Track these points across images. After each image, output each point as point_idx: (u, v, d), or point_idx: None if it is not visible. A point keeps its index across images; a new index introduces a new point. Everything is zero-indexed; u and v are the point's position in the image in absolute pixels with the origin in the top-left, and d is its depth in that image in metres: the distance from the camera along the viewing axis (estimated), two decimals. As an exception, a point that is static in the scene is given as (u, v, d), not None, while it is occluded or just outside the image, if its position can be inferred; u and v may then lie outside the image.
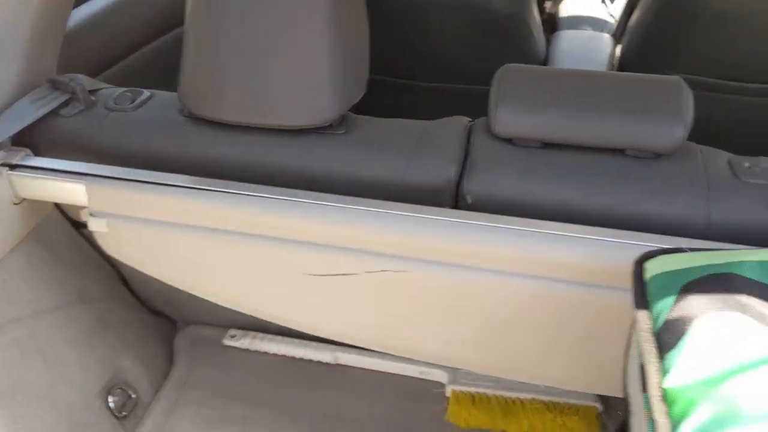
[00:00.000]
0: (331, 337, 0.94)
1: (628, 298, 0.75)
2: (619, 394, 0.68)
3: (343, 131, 0.85)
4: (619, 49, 1.54)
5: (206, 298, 0.95)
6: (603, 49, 1.59)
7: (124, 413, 1.05)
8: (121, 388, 1.06)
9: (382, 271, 0.82)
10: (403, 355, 0.92)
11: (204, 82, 0.83)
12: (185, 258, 0.90)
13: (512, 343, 0.84)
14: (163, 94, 0.94)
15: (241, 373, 1.13)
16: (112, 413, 1.03)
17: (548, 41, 1.60)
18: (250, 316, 1.15)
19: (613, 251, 0.74)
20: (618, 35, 1.72)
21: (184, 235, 0.87)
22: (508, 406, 1.05)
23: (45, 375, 0.94)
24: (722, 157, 0.80)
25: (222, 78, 0.82)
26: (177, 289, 1.14)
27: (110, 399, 1.04)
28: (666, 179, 0.77)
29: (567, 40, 1.63)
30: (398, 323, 0.87)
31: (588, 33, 1.75)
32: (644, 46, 1.42)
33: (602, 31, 1.82)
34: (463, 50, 1.42)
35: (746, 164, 0.78)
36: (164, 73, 1.24)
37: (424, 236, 0.78)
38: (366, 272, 0.83)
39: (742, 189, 0.75)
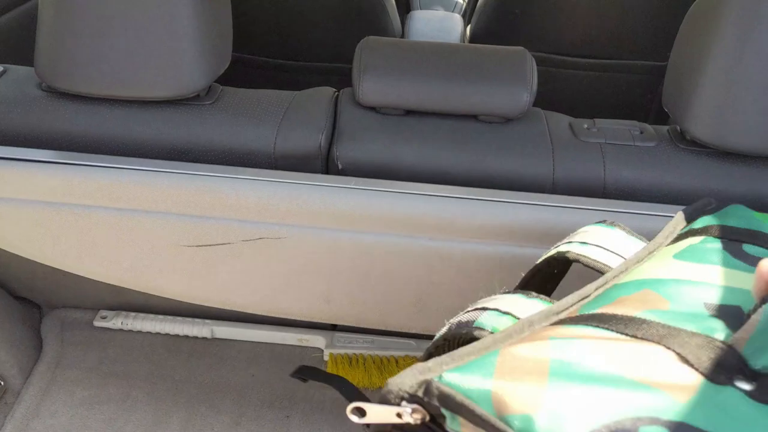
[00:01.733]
0: (213, 305, 0.95)
1: (488, 250, 0.83)
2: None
3: (210, 102, 0.87)
4: (469, 30, 1.64)
5: (82, 275, 0.93)
6: (454, 28, 1.68)
7: (-8, 402, 1.02)
8: (-12, 378, 1.02)
9: (258, 239, 0.85)
10: (286, 317, 0.96)
11: (62, 55, 0.82)
12: (55, 236, 0.88)
13: (385, 297, 0.89)
14: (17, 69, 0.91)
15: (116, 352, 1.12)
16: (-21, 403, 1.00)
17: (403, 22, 1.67)
18: (119, 296, 1.14)
19: (468, 208, 0.81)
20: (467, 15, 1.83)
21: (53, 213, 0.85)
22: (383, 365, 1.12)
23: None
24: (564, 120, 0.89)
25: (81, 50, 0.81)
26: (41, 273, 1.11)
27: (-24, 389, 1.00)
28: (515, 141, 0.85)
29: (421, 20, 1.71)
30: (279, 287, 0.90)
31: (440, 13, 1.84)
32: (491, 25, 1.52)
33: (453, 11, 1.93)
34: (326, 30, 1.47)
35: (585, 126, 0.88)
36: (14, 48, 1.19)
37: (298, 202, 0.82)
38: (242, 241, 0.85)
39: (581, 147, 0.85)
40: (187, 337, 1.15)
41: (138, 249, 0.88)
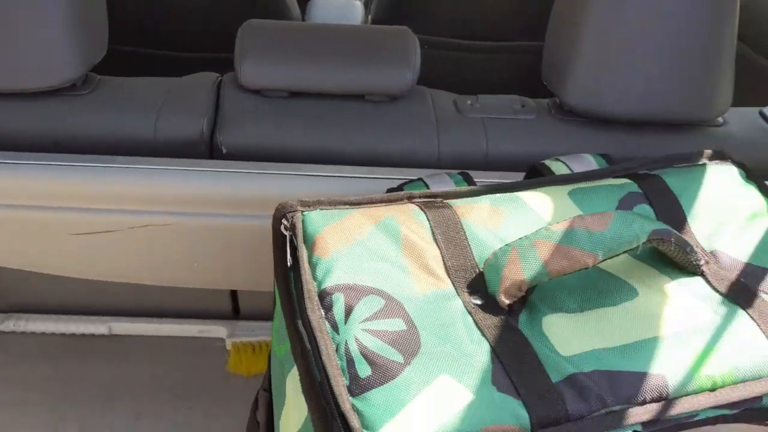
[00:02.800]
0: (111, 279, 0.93)
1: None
2: None
3: (87, 91, 0.84)
4: (369, 18, 1.65)
5: None
6: (355, 15, 1.68)
7: None
8: None
9: (144, 226, 0.84)
10: (183, 303, 0.94)
11: None
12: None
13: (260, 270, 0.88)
14: None
15: (10, 356, 1.08)
16: None
17: (303, 11, 1.67)
18: (9, 298, 1.10)
19: (360, 186, 0.81)
20: (369, 3, 1.84)
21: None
22: (286, 350, 1.11)
23: None
24: (449, 97, 0.91)
25: None
26: None
27: None
28: (401, 119, 0.86)
29: (321, 7, 1.70)
30: (172, 272, 0.89)
31: (341, 0, 1.85)
32: (390, 12, 1.53)
33: (355, -1, 1.93)
34: (221, 21, 1.44)
35: (468, 102, 0.90)
36: None
37: (182, 188, 0.80)
38: (129, 228, 0.84)
39: (464, 122, 0.87)
40: (83, 335, 1.12)
41: (31, 240, 0.85)
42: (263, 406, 0.74)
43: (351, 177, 0.81)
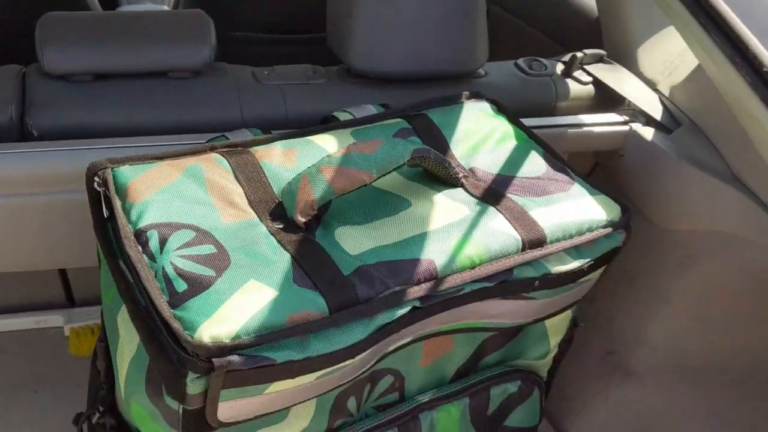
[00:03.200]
0: None
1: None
2: None
3: None
4: None
5: None
6: None
7: None
8: None
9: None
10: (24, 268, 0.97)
11: None
12: None
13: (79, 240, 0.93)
14: None
15: None
16: None
17: None
18: None
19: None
20: (176, 5, 1.89)
21: None
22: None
23: None
24: (247, 69, 1.01)
25: None
26: None
27: None
28: (204, 93, 0.95)
29: (127, 9, 1.75)
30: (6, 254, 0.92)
31: (148, 6, 1.89)
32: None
33: (162, 4, 1.98)
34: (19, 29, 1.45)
35: (265, 72, 1.00)
36: None
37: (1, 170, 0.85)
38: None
39: (263, 90, 0.97)
40: None
41: None
42: (102, 355, 0.80)
43: (159, 145, 0.88)
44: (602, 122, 1.04)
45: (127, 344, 0.69)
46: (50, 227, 0.91)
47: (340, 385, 0.72)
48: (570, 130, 1.02)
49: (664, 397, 1.05)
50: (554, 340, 0.90)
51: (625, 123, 1.04)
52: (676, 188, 0.98)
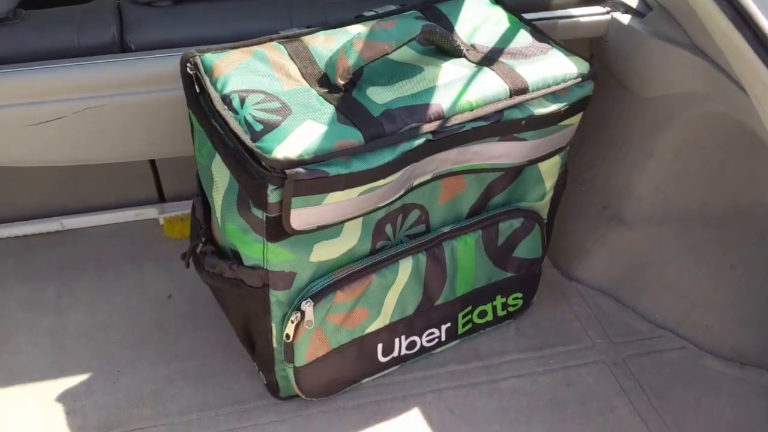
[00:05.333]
0: (63, 164, 1.21)
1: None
2: None
3: (18, 21, 1.12)
4: None
5: None
6: None
7: None
8: None
9: (85, 109, 1.13)
10: (110, 161, 1.23)
11: None
12: None
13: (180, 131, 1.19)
14: None
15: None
16: None
17: None
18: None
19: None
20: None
21: None
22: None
23: None
24: None
25: None
26: None
27: None
28: (259, 5, 1.19)
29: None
30: (109, 141, 1.18)
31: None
32: None
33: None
34: None
35: None
36: None
37: (107, 75, 1.10)
38: (74, 113, 1.13)
39: (309, 6, 1.20)
40: (40, 234, 1.39)
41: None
42: (199, 206, 1.06)
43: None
44: (588, 14, 1.25)
45: (221, 182, 0.94)
46: (146, 121, 1.16)
47: (379, 209, 0.96)
48: (560, 21, 1.23)
49: (652, 239, 1.27)
50: (549, 183, 1.12)
51: (607, 13, 1.24)
52: (650, 61, 1.18)
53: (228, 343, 1.18)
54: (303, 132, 0.86)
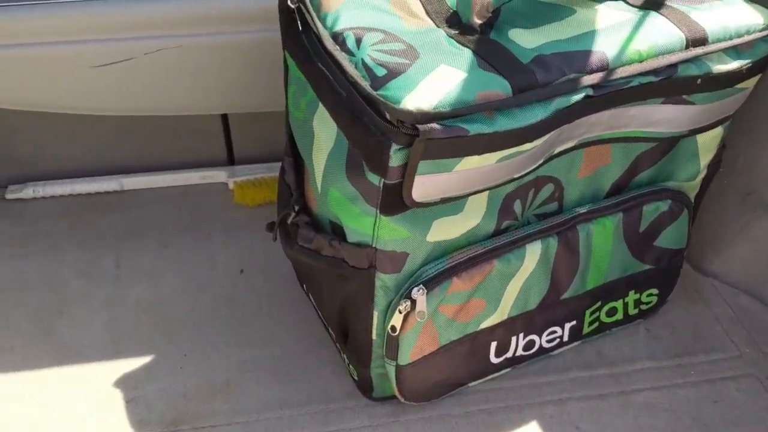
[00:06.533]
0: (124, 113, 1.06)
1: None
2: None
3: None
4: None
5: (14, 108, 1.01)
6: None
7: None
8: None
9: (157, 50, 0.97)
10: (180, 113, 1.07)
11: None
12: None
13: (269, 82, 1.02)
14: None
15: (34, 217, 1.20)
16: None
17: None
18: (26, 168, 1.21)
19: None
20: None
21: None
22: (282, 182, 1.27)
23: None
24: None
25: None
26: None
27: None
28: None
29: None
30: (181, 90, 1.02)
31: None
32: None
33: None
34: None
35: None
36: None
37: (190, 10, 0.94)
38: (144, 54, 0.97)
39: None
40: (99, 193, 1.24)
41: (54, 76, 0.97)
42: (290, 169, 0.89)
43: None
44: None
45: (325, 140, 0.78)
46: (225, 67, 1.00)
47: (512, 180, 0.78)
48: None
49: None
50: (704, 160, 0.93)
51: None
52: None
53: (309, 330, 1.02)
54: (436, 79, 0.69)
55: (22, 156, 1.21)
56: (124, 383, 0.95)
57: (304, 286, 1.03)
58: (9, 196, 1.22)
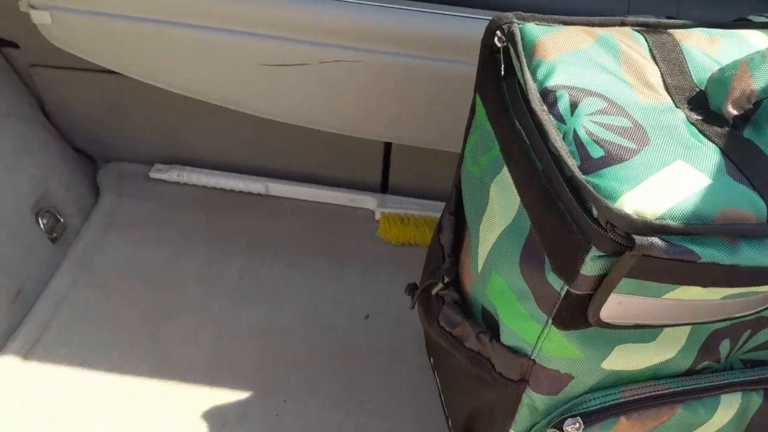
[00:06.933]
0: (285, 120, 0.96)
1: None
2: None
3: None
4: None
5: (163, 87, 0.94)
6: None
7: (54, 235, 1.03)
8: (49, 211, 1.04)
9: (335, 61, 0.86)
10: (340, 131, 0.96)
11: None
12: (137, 50, 0.89)
13: (453, 121, 0.89)
14: None
15: (173, 203, 1.14)
16: (43, 233, 1.01)
17: None
18: (174, 150, 1.16)
19: None
20: None
21: (134, 27, 0.86)
22: (434, 225, 1.13)
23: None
24: None
25: None
26: (99, 124, 1.12)
27: (40, 220, 1.02)
28: None
29: None
30: (352, 108, 0.91)
31: None
32: None
33: None
34: None
35: None
36: None
37: (376, 25, 0.82)
38: (319, 63, 0.86)
39: None
40: (241, 192, 1.16)
41: (218, 65, 0.89)
42: (449, 229, 0.75)
43: None
44: None
45: (501, 213, 0.63)
46: (401, 93, 0.87)
47: (726, 319, 0.60)
48: None
49: None
50: None
51: None
52: None
53: (428, 411, 0.88)
54: (668, 178, 0.52)
55: (174, 137, 1.15)
56: (212, 417, 0.85)
57: (432, 360, 0.89)
58: (153, 174, 1.16)
